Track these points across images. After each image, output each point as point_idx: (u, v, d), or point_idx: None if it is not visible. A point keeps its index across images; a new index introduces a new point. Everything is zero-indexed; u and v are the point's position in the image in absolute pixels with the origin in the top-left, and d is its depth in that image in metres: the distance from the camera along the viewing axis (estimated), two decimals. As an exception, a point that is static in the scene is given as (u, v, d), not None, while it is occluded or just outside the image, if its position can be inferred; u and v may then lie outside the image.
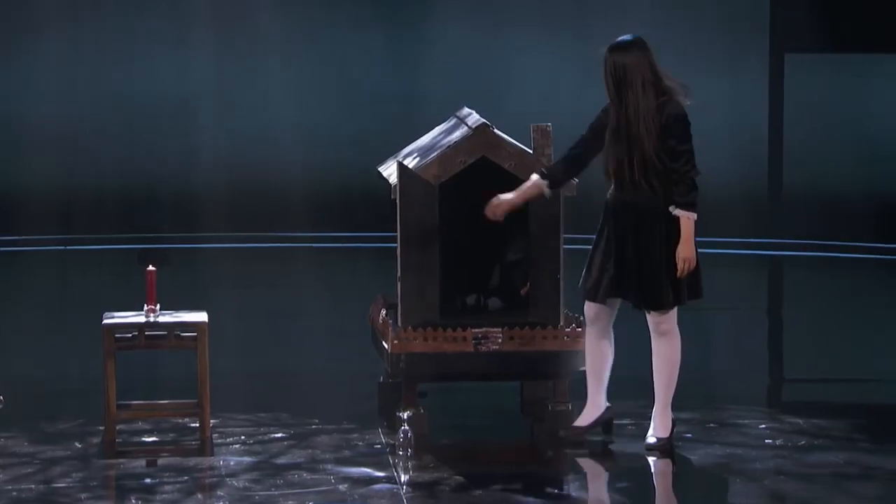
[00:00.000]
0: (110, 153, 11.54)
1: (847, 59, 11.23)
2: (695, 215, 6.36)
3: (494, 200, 6.54)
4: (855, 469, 6.39)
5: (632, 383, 6.99)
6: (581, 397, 6.86)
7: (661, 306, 6.42)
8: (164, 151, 11.50)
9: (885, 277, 10.03)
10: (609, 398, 6.71)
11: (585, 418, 6.64)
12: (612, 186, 6.47)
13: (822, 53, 11.15)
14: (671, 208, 6.36)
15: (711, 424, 6.97)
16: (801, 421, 7.02)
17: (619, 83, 6.36)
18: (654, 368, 6.53)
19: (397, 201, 6.69)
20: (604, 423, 6.69)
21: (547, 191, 6.56)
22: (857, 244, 10.73)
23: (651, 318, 6.50)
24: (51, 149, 11.47)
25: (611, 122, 6.41)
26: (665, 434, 6.52)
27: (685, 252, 6.35)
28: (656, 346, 6.51)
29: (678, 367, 6.52)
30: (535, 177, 6.57)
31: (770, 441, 6.76)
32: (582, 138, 6.54)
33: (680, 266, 6.34)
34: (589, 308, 6.59)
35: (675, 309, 6.48)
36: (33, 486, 6.20)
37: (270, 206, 11.39)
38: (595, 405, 6.65)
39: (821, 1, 11.09)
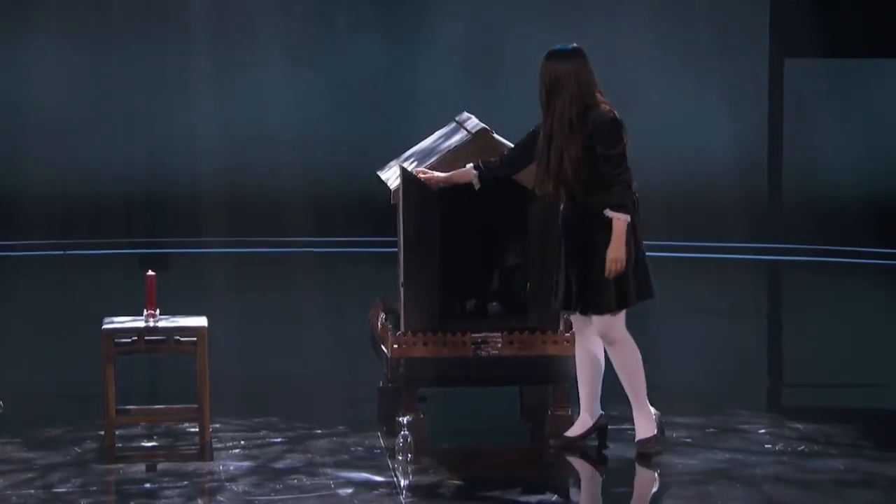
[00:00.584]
0: (111, 156, 11.54)
1: (846, 64, 11.24)
2: (627, 217, 6.37)
3: (425, 174, 6.57)
4: (855, 476, 6.39)
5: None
6: (578, 401, 6.87)
7: (602, 309, 6.41)
8: (166, 155, 11.50)
9: (885, 282, 10.02)
10: (610, 402, 6.70)
11: (577, 429, 6.65)
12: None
13: (821, 58, 11.16)
14: (605, 211, 6.37)
15: (711, 429, 6.97)
16: (801, 426, 7.02)
17: (550, 90, 6.38)
18: (618, 376, 6.54)
19: (399, 205, 6.69)
20: (598, 430, 6.69)
21: (476, 183, 6.59)
22: (857, 249, 10.73)
23: (597, 326, 6.48)
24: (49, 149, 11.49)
25: (543, 131, 6.43)
26: (648, 434, 6.52)
27: (614, 252, 6.35)
28: (610, 355, 6.52)
29: (638, 370, 6.51)
30: (470, 166, 6.60)
31: (770, 446, 6.76)
32: (521, 142, 6.56)
33: (609, 266, 6.35)
34: (573, 319, 6.59)
35: (622, 315, 6.47)
36: (33, 491, 6.19)
37: (268, 210, 11.39)
38: (587, 414, 6.64)
39: (820, 6, 11.09)
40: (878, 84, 11.38)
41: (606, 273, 6.38)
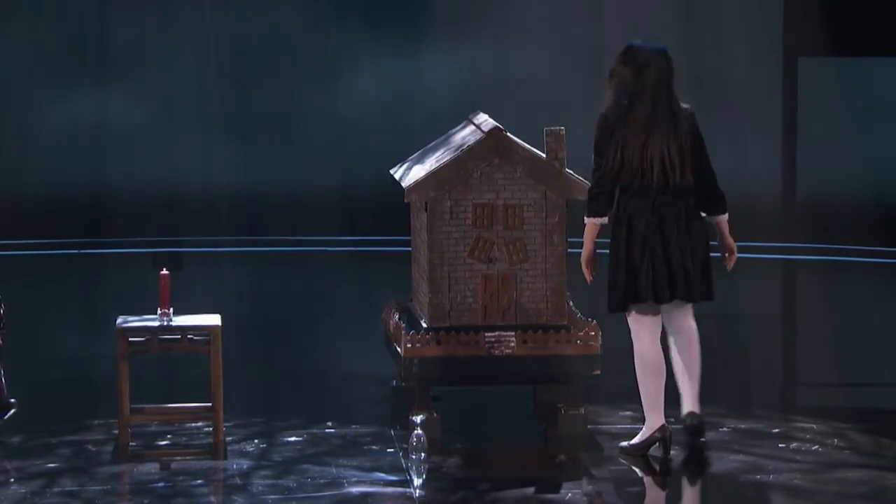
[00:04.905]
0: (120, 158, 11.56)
1: (859, 63, 11.21)
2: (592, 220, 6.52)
3: (585, 264, 6.57)
4: (872, 477, 6.39)
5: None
6: (593, 400, 6.88)
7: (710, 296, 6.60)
8: (183, 156, 11.51)
9: (892, 281, 10.00)
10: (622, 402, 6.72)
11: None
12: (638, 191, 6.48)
13: (834, 57, 11.14)
14: (710, 216, 6.61)
15: (723, 429, 6.96)
16: (815, 425, 7.02)
17: (656, 83, 6.48)
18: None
19: (426, 210, 6.71)
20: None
21: (605, 221, 6.61)
22: (868, 248, 10.71)
23: (689, 314, 6.61)
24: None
25: (638, 122, 6.46)
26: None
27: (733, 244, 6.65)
28: (693, 343, 6.61)
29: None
30: (596, 221, 6.55)
31: (783, 445, 6.76)
32: (605, 155, 6.52)
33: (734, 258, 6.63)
34: (648, 313, 6.56)
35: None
36: (47, 489, 6.20)
37: (282, 209, 11.39)
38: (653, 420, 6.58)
39: (833, 6, 11.07)
40: (891, 81, 11.36)
41: (732, 265, 6.57)
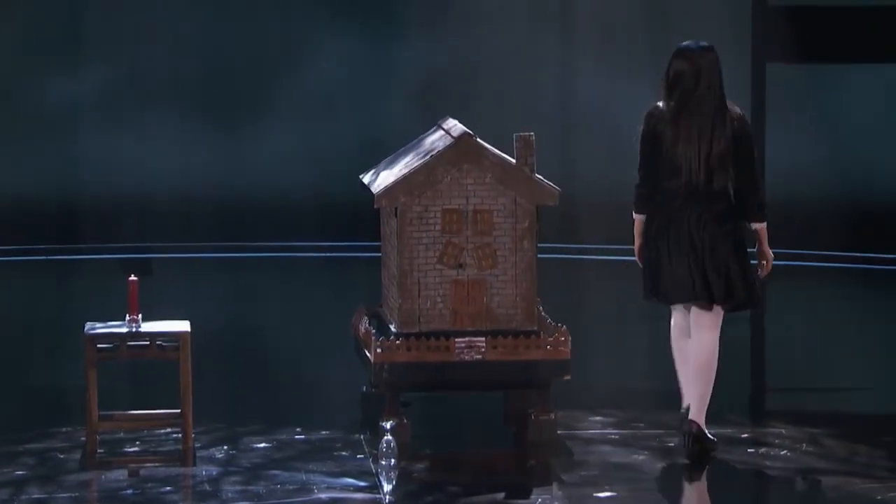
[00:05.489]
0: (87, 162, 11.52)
1: (827, 69, 11.27)
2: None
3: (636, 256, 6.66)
4: (842, 479, 6.41)
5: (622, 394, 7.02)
6: (563, 405, 6.88)
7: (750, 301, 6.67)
8: (157, 163, 11.47)
9: (861, 286, 10.04)
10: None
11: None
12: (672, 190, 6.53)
13: (802, 63, 11.19)
14: (750, 224, 6.64)
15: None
16: (783, 430, 7.04)
17: (698, 82, 6.52)
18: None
19: (396, 215, 6.71)
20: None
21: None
22: (836, 253, 10.76)
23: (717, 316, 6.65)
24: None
25: (684, 124, 6.51)
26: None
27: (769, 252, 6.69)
28: (712, 343, 6.63)
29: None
30: (638, 218, 6.64)
31: (753, 450, 6.77)
32: (648, 156, 6.57)
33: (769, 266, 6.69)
34: (680, 313, 6.64)
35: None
36: (14, 497, 6.17)
37: (252, 215, 11.36)
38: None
39: (800, 12, 11.12)
40: (856, 87, 11.42)
41: (764, 273, 6.61)
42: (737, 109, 6.58)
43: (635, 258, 6.69)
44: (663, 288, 6.57)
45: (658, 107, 6.59)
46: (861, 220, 10.75)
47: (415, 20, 11.51)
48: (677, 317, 6.67)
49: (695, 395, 6.52)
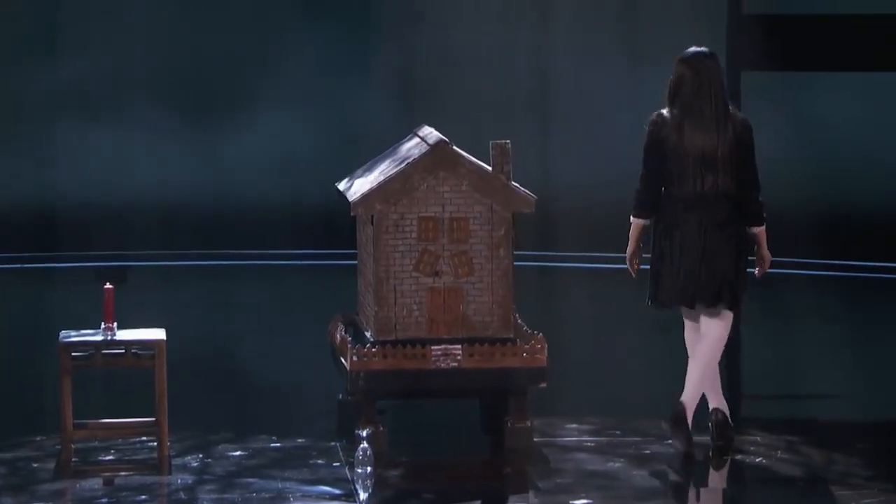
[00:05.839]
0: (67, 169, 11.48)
1: (800, 77, 11.32)
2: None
3: (632, 266, 6.77)
4: (814, 484, 6.43)
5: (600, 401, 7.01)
6: (540, 413, 6.89)
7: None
8: (136, 170, 11.44)
9: (831, 293, 10.07)
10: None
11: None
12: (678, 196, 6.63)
13: (776, 72, 11.24)
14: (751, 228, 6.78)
15: (669, 441, 6.98)
16: (760, 437, 7.06)
17: (706, 88, 6.65)
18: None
19: (372, 223, 6.71)
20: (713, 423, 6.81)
21: (646, 223, 6.77)
22: (812, 261, 10.80)
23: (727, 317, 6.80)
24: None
25: (692, 130, 6.61)
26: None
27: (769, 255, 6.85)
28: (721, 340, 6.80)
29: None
30: (638, 222, 6.74)
31: (727, 458, 6.78)
32: (653, 162, 6.66)
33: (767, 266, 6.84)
34: (690, 312, 6.77)
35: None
36: (-12, 505, 6.15)
37: (226, 223, 11.35)
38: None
39: (775, 21, 11.17)
40: (829, 96, 11.47)
41: (760, 274, 6.74)
42: (739, 115, 6.71)
43: (626, 264, 6.78)
44: (665, 293, 6.68)
45: (662, 114, 6.71)
46: (836, 227, 10.80)
47: (390, 20, 11.51)
48: (689, 321, 6.80)
49: (712, 386, 6.74)
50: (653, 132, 6.67)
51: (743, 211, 6.67)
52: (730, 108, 6.68)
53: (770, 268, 6.81)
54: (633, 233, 6.73)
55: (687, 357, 6.91)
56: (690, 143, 6.61)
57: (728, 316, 6.71)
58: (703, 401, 6.85)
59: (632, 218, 6.74)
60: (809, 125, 11.32)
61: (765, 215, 6.73)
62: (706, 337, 6.71)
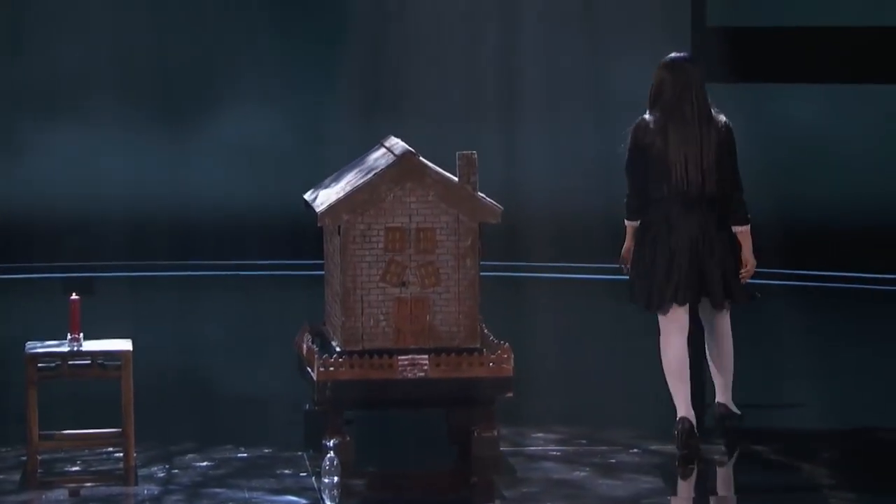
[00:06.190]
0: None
1: (762, 89, 11.40)
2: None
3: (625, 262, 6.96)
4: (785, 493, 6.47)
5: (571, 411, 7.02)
6: (507, 422, 6.91)
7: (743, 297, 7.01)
8: (111, 180, 11.41)
9: (793, 303, 10.13)
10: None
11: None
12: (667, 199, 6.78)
13: (741, 83, 11.32)
14: (734, 226, 6.96)
15: (634, 450, 7.02)
16: (724, 447, 7.09)
17: (688, 93, 6.80)
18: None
19: (339, 233, 6.72)
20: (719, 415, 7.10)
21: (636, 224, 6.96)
22: (768, 271, 10.87)
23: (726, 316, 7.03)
24: None
25: (678, 133, 6.75)
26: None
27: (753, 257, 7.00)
28: (728, 338, 7.06)
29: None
30: (631, 225, 6.94)
31: (692, 466, 6.82)
32: (637, 168, 6.82)
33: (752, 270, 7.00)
34: (677, 312, 6.91)
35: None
36: (-46, 517, 6.12)
37: (195, 233, 11.33)
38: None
39: (739, 34, 11.25)
40: (785, 106, 11.55)
41: (745, 277, 6.88)
42: (722, 117, 6.86)
43: (622, 262, 6.98)
44: (659, 294, 6.81)
45: (644, 119, 6.84)
46: (794, 237, 10.87)
47: (355, 32, 11.52)
48: (667, 322, 6.90)
49: (722, 381, 7.01)
50: (636, 137, 6.82)
51: (728, 211, 6.84)
52: (712, 111, 6.83)
53: (754, 273, 6.95)
54: (629, 233, 6.97)
55: (657, 365, 7.03)
56: (675, 147, 6.76)
57: (728, 310, 6.96)
58: (672, 411, 6.90)
59: (627, 222, 6.97)
60: (766, 134, 11.39)
61: (749, 216, 6.87)
62: (726, 338, 6.99)
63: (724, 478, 6.74)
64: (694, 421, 6.82)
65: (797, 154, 11.44)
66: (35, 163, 11.46)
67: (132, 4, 11.47)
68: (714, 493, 6.59)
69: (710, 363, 7.12)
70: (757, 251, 6.95)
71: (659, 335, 6.95)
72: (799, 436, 7.35)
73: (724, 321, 6.99)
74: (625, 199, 6.94)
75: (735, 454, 6.98)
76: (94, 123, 11.47)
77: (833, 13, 10.96)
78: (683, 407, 6.84)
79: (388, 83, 11.45)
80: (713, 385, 7.18)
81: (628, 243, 6.97)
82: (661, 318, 6.91)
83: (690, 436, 6.76)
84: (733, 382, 7.11)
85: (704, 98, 6.82)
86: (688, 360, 6.92)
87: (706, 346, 7.11)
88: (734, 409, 7.09)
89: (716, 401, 7.14)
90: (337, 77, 11.55)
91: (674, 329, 6.87)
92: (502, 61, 11.37)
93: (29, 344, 6.73)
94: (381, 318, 6.81)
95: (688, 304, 6.88)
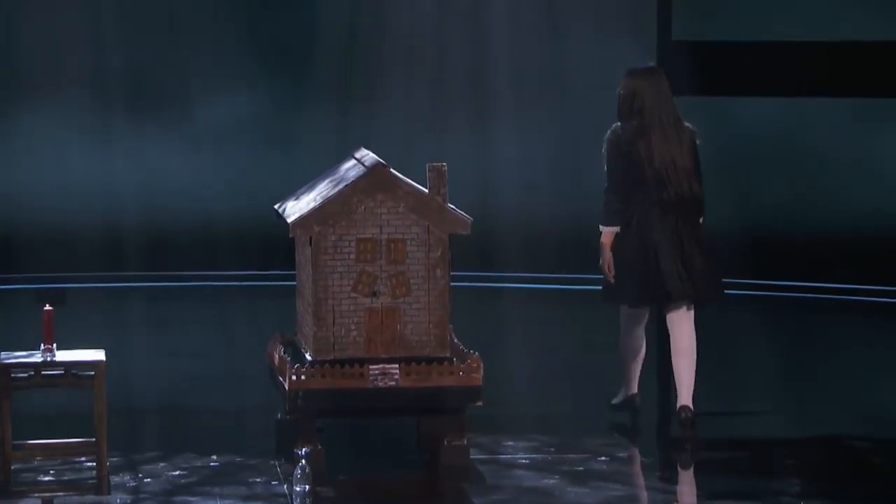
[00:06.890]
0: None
1: (731, 101, 11.50)
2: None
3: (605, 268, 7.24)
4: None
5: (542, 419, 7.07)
6: (477, 430, 6.97)
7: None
8: (84, 191, 11.39)
9: (761, 314, 10.21)
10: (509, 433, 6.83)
11: (619, 397, 7.51)
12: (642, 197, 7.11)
13: (707, 96, 11.41)
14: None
15: (602, 458, 7.08)
16: (690, 455, 7.16)
17: (665, 100, 7.15)
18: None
19: (311, 244, 6.77)
20: (630, 405, 7.49)
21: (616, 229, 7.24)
22: (732, 281, 10.95)
23: (691, 316, 7.34)
24: None
25: (652, 138, 7.09)
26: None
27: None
28: (692, 340, 7.35)
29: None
30: (609, 230, 7.22)
31: (659, 474, 6.88)
32: (617, 172, 7.13)
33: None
34: (634, 308, 7.33)
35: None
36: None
37: (165, 244, 11.34)
38: (629, 388, 7.49)
39: (706, 47, 11.35)
40: (750, 118, 11.65)
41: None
42: (686, 123, 7.24)
43: (603, 272, 7.22)
44: (635, 293, 7.13)
45: (620, 126, 7.18)
46: (755, 246, 10.96)
47: (326, 41, 11.56)
48: (627, 317, 7.31)
49: (686, 382, 7.24)
50: (614, 144, 7.13)
51: (698, 211, 7.24)
52: (680, 118, 7.22)
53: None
54: (605, 241, 7.20)
55: (625, 372, 7.21)
56: (658, 152, 7.10)
57: (692, 310, 7.22)
58: (643, 419, 6.96)
59: (603, 227, 7.19)
60: (739, 149, 11.48)
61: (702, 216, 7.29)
62: (686, 338, 7.21)
63: (688, 484, 6.81)
64: (639, 399, 7.38)
65: (757, 164, 11.55)
66: (3, 172, 11.45)
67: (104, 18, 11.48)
68: (681, 499, 6.66)
69: (673, 365, 7.31)
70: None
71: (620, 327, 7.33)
72: (763, 443, 7.43)
73: (685, 318, 7.20)
74: (603, 206, 7.17)
75: (700, 461, 7.05)
76: (67, 126, 11.46)
77: (791, 27, 11.10)
78: (629, 386, 7.37)
79: (359, 91, 11.50)
80: (660, 397, 7.45)
81: (608, 253, 7.18)
82: (623, 309, 7.28)
83: (693, 423, 7.19)
84: (695, 387, 7.31)
85: (673, 105, 7.20)
86: (644, 345, 7.36)
87: (671, 348, 7.30)
88: (690, 405, 7.26)
89: (679, 405, 7.29)
90: (307, 87, 11.58)
91: (625, 320, 7.31)
92: (472, 72, 11.43)
93: (2, 354, 6.75)
94: (353, 327, 6.86)
95: (653, 303, 7.22)
